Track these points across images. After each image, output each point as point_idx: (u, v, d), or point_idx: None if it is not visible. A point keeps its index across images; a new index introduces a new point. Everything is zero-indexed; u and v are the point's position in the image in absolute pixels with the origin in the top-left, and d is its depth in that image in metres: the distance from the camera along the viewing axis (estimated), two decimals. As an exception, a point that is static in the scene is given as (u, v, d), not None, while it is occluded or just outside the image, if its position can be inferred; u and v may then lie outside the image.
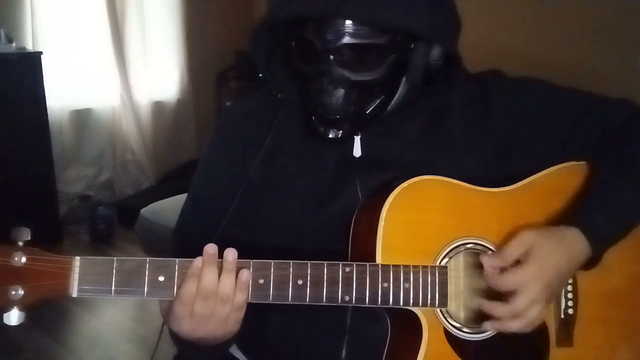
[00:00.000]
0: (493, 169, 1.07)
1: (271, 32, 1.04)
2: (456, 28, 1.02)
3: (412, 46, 1.00)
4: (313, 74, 0.99)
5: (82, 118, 4.14)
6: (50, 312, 2.85)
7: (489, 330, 0.98)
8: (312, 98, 1.00)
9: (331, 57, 0.96)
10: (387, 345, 1.01)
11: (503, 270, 0.94)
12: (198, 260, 0.86)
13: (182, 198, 1.25)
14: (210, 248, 0.86)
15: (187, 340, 0.93)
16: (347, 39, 0.94)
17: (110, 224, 3.87)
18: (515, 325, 0.94)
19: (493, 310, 0.94)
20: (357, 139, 1.08)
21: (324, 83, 0.97)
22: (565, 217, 1.02)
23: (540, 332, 1.02)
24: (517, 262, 0.95)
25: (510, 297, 0.93)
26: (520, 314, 0.93)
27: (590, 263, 1.01)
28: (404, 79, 1.04)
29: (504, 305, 0.93)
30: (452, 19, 1.01)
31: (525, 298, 0.92)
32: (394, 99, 1.06)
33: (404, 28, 0.96)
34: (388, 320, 1.01)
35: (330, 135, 1.01)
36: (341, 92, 0.98)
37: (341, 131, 1.01)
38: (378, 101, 1.02)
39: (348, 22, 0.93)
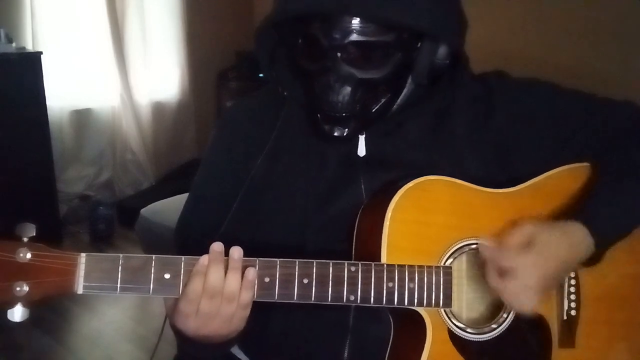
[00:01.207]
0: (494, 169, 1.07)
1: (275, 30, 1.04)
2: (462, 27, 1.02)
3: (418, 45, 1.00)
4: (319, 72, 0.98)
5: (82, 118, 4.13)
6: (51, 312, 2.84)
7: (493, 331, 0.99)
8: (317, 96, 1.00)
9: (338, 54, 0.96)
10: (389, 346, 1.01)
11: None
12: (204, 258, 0.86)
13: (182, 198, 1.25)
14: (217, 246, 0.86)
15: (191, 337, 0.93)
16: (354, 37, 0.94)
17: (110, 224, 3.86)
18: (505, 300, 0.94)
19: (489, 276, 0.93)
20: (362, 138, 1.07)
21: (330, 80, 0.97)
22: (568, 214, 1.01)
23: (542, 333, 1.03)
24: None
25: (506, 276, 0.92)
26: (511, 296, 0.92)
27: (591, 260, 1.00)
28: (409, 78, 1.04)
29: (497, 280, 0.93)
30: (457, 18, 1.01)
31: (519, 282, 0.91)
32: (400, 98, 1.06)
33: (405, 25, 0.96)
34: (391, 320, 1.01)
35: (336, 134, 1.01)
36: (348, 89, 0.98)
37: (347, 129, 1.01)
38: (384, 100, 1.02)
39: (355, 20, 0.93)
